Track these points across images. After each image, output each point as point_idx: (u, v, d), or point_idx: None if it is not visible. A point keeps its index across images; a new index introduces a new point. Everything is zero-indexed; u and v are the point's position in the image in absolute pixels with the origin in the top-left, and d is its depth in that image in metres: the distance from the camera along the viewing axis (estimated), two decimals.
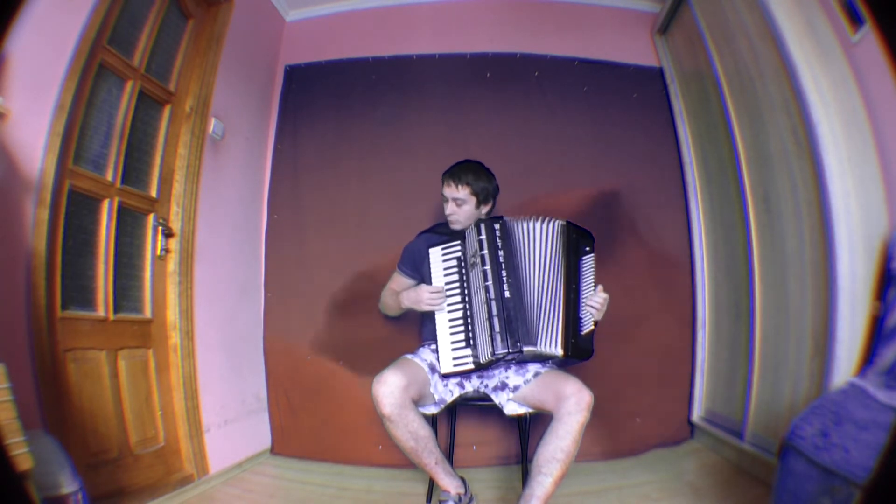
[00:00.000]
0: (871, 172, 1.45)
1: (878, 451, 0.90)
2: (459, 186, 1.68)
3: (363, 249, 2.44)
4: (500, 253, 1.52)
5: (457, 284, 1.59)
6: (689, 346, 2.40)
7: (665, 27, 2.49)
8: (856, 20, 1.46)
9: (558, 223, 1.58)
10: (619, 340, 2.31)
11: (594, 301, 1.56)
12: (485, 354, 1.48)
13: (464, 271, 1.59)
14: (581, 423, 1.39)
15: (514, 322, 1.48)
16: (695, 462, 2.08)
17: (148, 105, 1.92)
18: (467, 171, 1.70)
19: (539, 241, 1.57)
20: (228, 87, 2.25)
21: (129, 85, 1.79)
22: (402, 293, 1.68)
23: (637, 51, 2.59)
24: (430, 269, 1.64)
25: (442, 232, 1.79)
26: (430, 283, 1.64)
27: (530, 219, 1.59)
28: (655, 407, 2.34)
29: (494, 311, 1.48)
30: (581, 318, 1.55)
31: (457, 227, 1.73)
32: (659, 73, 2.57)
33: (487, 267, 1.50)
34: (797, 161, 1.63)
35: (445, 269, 1.63)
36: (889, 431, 0.97)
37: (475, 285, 1.54)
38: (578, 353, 1.52)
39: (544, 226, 1.58)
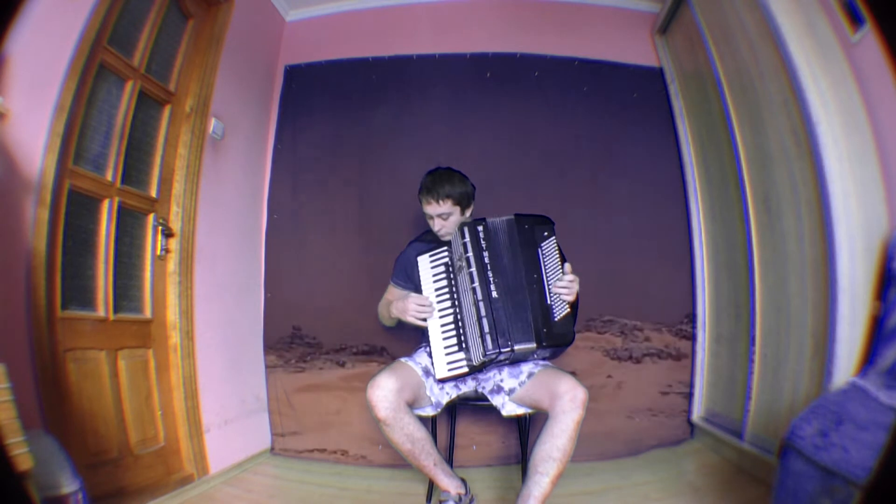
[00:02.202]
0: (871, 172, 1.45)
1: (879, 451, 0.90)
2: (441, 201, 1.66)
3: (363, 249, 2.44)
4: (485, 254, 1.52)
5: (446, 290, 1.59)
6: (689, 346, 2.40)
7: (665, 27, 2.49)
8: (856, 20, 1.46)
9: (504, 218, 1.57)
10: (619, 340, 2.31)
11: (560, 286, 1.51)
12: (477, 356, 1.48)
13: (452, 276, 1.59)
14: (576, 421, 1.38)
15: (502, 322, 1.47)
16: (695, 462, 2.08)
17: (148, 105, 1.92)
18: (443, 182, 1.68)
19: (502, 238, 1.56)
20: (228, 87, 2.25)
21: (129, 85, 1.79)
22: (393, 303, 1.68)
23: (637, 51, 2.59)
24: (419, 276, 1.65)
25: (430, 240, 1.80)
26: (422, 291, 1.63)
27: (492, 219, 1.58)
28: (655, 407, 2.34)
29: (483, 313, 1.48)
30: (552, 306, 1.51)
31: (448, 238, 1.70)
32: (659, 73, 2.57)
33: (473, 269, 1.51)
34: (797, 161, 1.63)
35: (434, 275, 1.63)
36: (889, 431, 0.97)
37: (463, 289, 1.54)
38: (555, 341, 1.48)
39: (497, 223, 1.57)
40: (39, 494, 1.09)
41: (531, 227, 1.56)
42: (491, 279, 1.50)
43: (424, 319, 1.58)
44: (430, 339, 1.57)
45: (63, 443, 1.26)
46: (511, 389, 1.57)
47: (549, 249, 1.56)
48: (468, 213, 1.75)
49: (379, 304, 1.89)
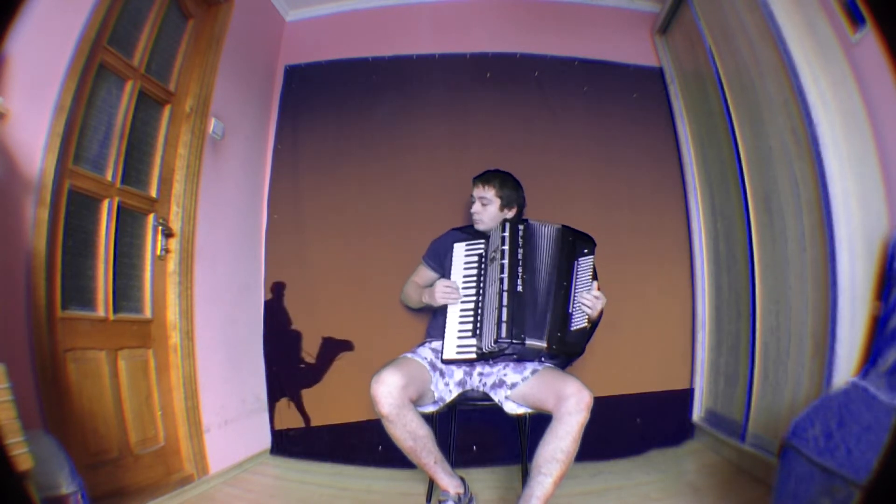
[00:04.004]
0: (871, 172, 1.45)
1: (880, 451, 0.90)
2: (486, 187, 1.79)
3: (363, 249, 2.44)
4: (520, 251, 1.57)
5: (474, 278, 1.66)
6: (689, 346, 2.40)
7: (665, 27, 2.49)
8: (856, 20, 1.46)
9: (554, 227, 1.62)
10: (619, 340, 2.31)
11: (587, 296, 1.57)
12: (488, 344, 1.51)
13: (483, 267, 1.66)
14: (581, 423, 1.39)
15: (520, 315, 1.50)
16: (695, 462, 2.08)
17: (148, 105, 1.92)
18: (495, 176, 1.82)
19: (543, 242, 1.61)
20: (228, 87, 2.25)
21: (129, 85, 1.79)
22: (425, 290, 1.76)
23: (637, 51, 2.59)
24: (451, 262, 1.72)
25: (470, 231, 1.87)
26: (450, 277, 1.71)
27: (538, 223, 1.63)
28: (655, 407, 2.34)
29: (504, 302, 1.51)
30: (571, 315, 1.56)
31: (480, 226, 1.80)
32: (659, 73, 2.57)
33: (505, 261, 1.55)
34: (797, 161, 1.63)
35: (466, 263, 1.71)
36: (889, 432, 0.97)
37: (491, 279, 1.59)
38: (565, 348, 1.53)
39: (544, 228, 1.62)
40: (39, 494, 1.09)
41: (574, 241, 1.62)
42: (520, 274, 1.54)
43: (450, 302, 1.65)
44: (447, 321, 1.64)
45: (63, 443, 1.26)
46: (513, 384, 1.57)
47: (584, 266, 1.62)
48: (509, 215, 1.81)
49: (405, 285, 1.95)
